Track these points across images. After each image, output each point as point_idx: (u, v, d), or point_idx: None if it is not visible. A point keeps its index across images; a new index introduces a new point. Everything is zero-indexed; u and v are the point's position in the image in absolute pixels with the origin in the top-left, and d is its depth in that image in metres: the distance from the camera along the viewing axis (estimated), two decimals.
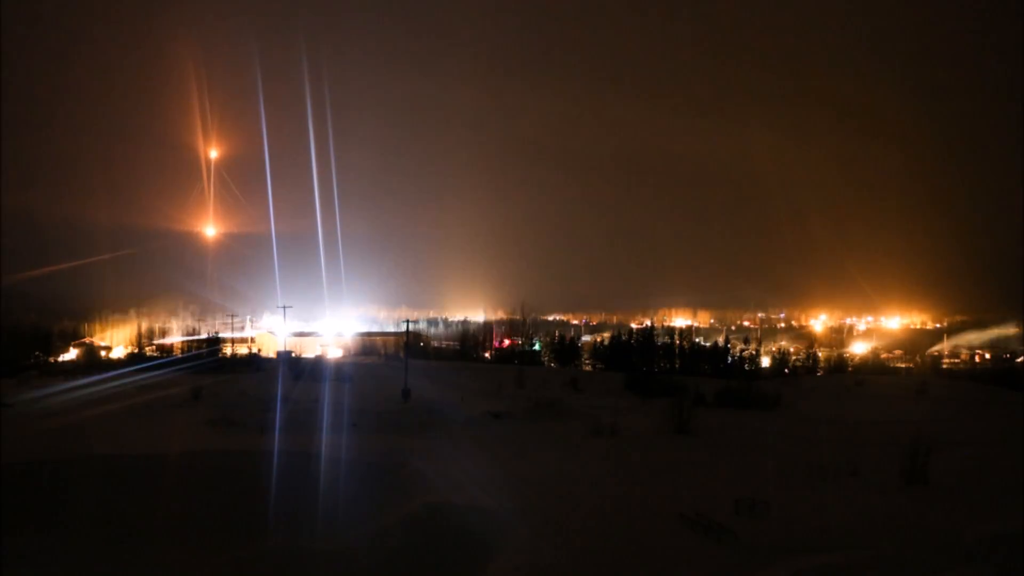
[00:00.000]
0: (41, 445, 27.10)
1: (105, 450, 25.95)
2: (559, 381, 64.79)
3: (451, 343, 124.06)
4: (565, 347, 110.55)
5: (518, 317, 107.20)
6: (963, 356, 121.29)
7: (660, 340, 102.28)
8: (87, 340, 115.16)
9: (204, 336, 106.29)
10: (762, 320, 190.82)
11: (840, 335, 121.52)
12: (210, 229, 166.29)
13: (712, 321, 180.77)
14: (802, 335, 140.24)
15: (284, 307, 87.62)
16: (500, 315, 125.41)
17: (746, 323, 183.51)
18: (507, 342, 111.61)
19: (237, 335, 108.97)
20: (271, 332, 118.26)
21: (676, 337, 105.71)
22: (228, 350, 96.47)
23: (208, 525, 20.25)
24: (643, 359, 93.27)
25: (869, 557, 13.46)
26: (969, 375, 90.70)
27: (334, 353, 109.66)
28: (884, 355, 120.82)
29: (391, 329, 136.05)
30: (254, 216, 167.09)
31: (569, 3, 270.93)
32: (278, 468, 24.16)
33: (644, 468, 26.07)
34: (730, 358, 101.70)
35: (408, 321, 69.53)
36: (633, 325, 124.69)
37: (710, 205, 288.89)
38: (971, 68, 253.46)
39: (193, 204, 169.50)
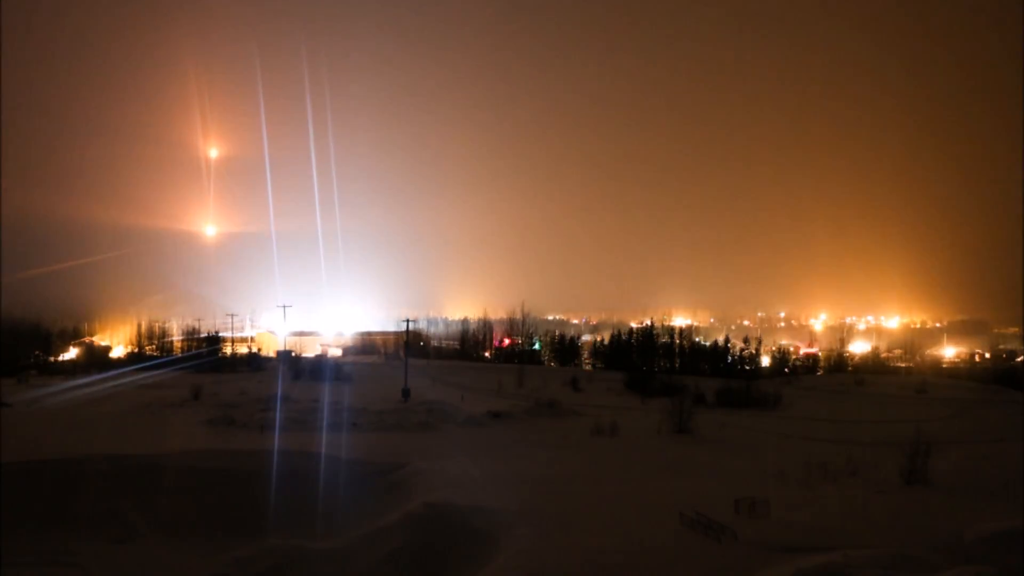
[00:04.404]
0: (41, 445, 27.09)
1: (105, 450, 25.90)
2: (559, 381, 64.82)
3: (451, 343, 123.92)
4: (565, 347, 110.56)
5: (518, 317, 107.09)
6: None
7: (660, 339, 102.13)
8: (87, 340, 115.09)
9: (204, 335, 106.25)
10: (761, 319, 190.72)
11: (840, 335, 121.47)
12: (210, 228, 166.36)
13: (712, 320, 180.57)
14: (802, 334, 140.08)
15: (284, 306, 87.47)
16: (500, 315, 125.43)
17: (746, 322, 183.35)
18: (507, 341, 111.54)
19: (237, 334, 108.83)
20: (271, 331, 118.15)
21: (676, 336, 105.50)
22: (228, 349, 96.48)
23: (208, 525, 20.25)
24: (643, 358, 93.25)
25: (869, 557, 13.44)
26: (969, 375, 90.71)
27: (334, 352, 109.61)
28: (884, 355, 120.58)
29: (391, 328, 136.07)
30: (254, 215, 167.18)
31: (571, 4, 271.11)
32: (278, 468, 24.15)
33: (644, 468, 26.05)
34: (730, 357, 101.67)
35: (408, 320, 69.29)
36: (633, 324, 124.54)
37: (710, 205, 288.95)
38: (972, 70, 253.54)
39: (193, 203, 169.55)
